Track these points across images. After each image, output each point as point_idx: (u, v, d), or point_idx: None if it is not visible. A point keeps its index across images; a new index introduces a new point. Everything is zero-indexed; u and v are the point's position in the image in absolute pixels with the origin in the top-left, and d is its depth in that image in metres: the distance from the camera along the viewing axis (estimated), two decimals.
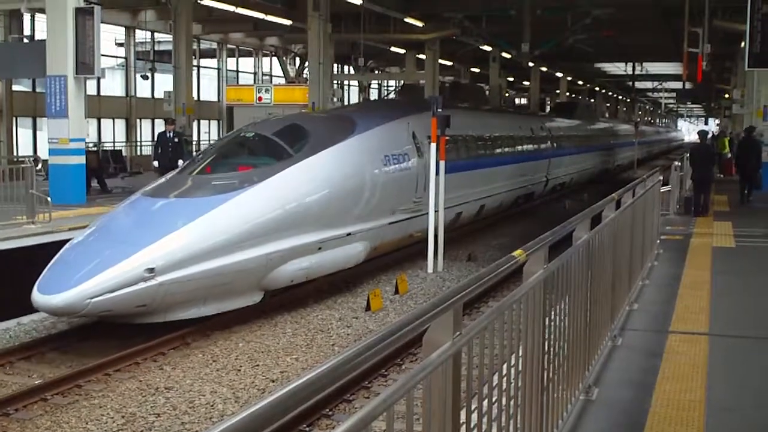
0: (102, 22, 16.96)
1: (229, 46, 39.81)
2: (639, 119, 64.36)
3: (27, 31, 25.87)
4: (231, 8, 24.90)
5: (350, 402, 8.17)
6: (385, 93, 51.34)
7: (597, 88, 62.01)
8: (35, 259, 12.05)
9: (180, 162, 18.47)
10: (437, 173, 14.66)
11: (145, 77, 31.77)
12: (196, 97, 31.20)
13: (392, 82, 50.56)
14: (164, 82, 30.66)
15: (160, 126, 23.93)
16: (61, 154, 16.64)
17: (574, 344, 4.54)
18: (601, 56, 43.51)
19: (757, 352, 6.29)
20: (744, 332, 6.85)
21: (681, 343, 6.31)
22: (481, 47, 33.74)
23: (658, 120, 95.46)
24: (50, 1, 16.59)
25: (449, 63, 39.93)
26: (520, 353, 3.56)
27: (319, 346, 10.29)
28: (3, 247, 11.89)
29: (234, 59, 40.89)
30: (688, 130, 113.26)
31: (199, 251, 10.25)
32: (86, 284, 9.42)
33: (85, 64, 16.48)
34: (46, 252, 12.11)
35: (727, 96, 45.06)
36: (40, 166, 18.24)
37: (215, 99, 39.18)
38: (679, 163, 16.83)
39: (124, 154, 29.07)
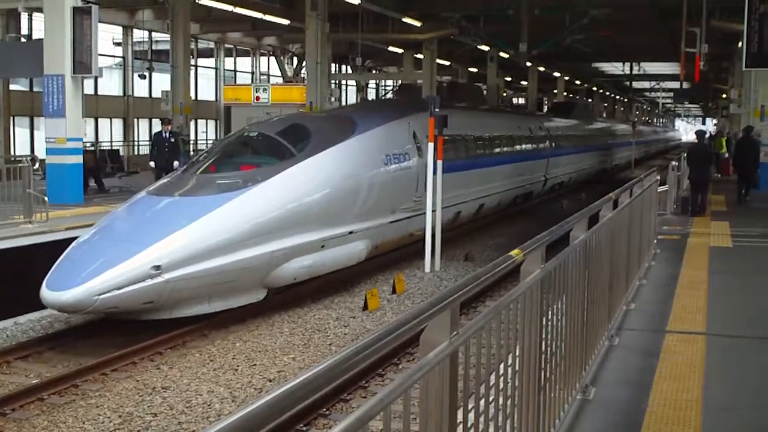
0: (99, 22, 16.92)
1: (226, 45, 39.80)
2: (636, 119, 64.39)
3: (24, 31, 25.86)
4: (229, 8, 24.88)
5: (347, 401, 8.17)
6: (383, 93, 51.31)
7: (594, 88, 62.04)
8: (33, 258, 12.07)
9: (176, 163, 18.46)
10: (435, 173, 14.72)
11: (142, 77, 31.74)
12: (193, 97, 31.18)
13: (390, 82, 50.56)
14: (162, 82, 30.67)
15: (157, 126, 23.89)
16: (59, 153, 16.62)
17: (572, 344, 4.54)
18: (598, 56, 43.53)
19: (754, 351, 6.29)
20: (741, 332, 6.86)
21: (678, 343, 6.31)
22: (478, 47, 33.75)
23: (655, 120, 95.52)
24: (48, 1, 16.55)
25: (447, 63, 39.93)
26: (517, 353, 3.56)
27: (317, 346, 10.29)
28: (0, 247, 11.87)
29: (232, 59, 40.88)
30: (685, 130, 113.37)
31: (204, 249, 10.46)
32: (94, 281, 9.60)
33: (82, 64, 16.45)
34: (43, 251, 12.12)
35: (724, 96, 45.13)
36: (37, 165, 18.19)
37: (213, 98, 39.17)
38: (677, 163, 16.85)
39: (121, 153, 29.01)
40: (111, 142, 32.60)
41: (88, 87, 27.87)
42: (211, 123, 39.40)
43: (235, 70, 41.14)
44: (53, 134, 16.69)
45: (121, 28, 33.33)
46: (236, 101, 32.30)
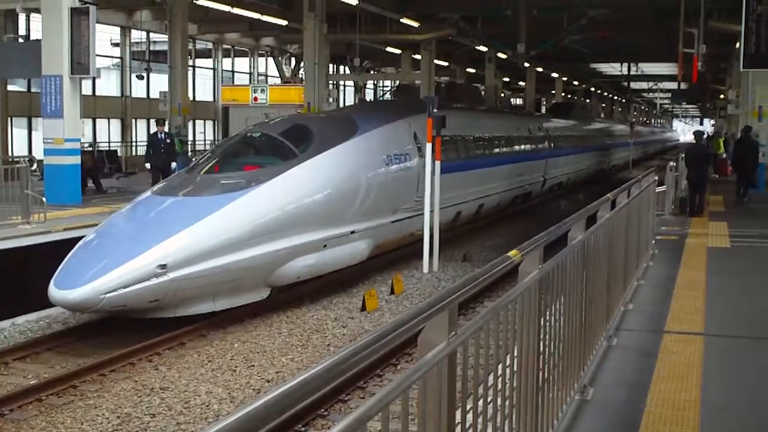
0: (97, 22, 16.90)
1: (224, 46, 39.77)
2: (634, 119, 64.42)
3: (22, 31, 25.81)
4: (227, 8, 24.87)
5: (346, 402, 8.17)
6: (381, 93, 51.30)
7: (592, 89, 62.05)
8: (31, 259, 12.07)
9: (174, 164, 18.45)
10: (432, 173, 14.77)
11: (140, 77, 31.71)
12: (191, 98, 31.13)
13: (388, 83, 50.55)
14: (160, 82, 30.62)
15: (155, 126, 23.87)
16: (57, 154, 16.60)
17: (570, 344, 4.54)
18: (596, 57, 43.56)
19: (752, 352, 6.29)
20: (739, 332, 6.87)
21: (676, 343, 6.32)
22: (476, 48, 33.76)
23: (653, 120, 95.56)
24: (46, 1, 16.54)
25: (445, 63, 39.92)
26: (516, 353, 3.56)
27: (315, 347, 10.29)
28: None
29: (229, 59, 40.86)
30: (683, 131, 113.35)
31: (209, 248, 10.63)
32: (101, 280, 9.76)
33: (80, 64, 16.44)
34: (41, 252, 12.12)
35: (722, 96, 45.15)
36: (35, 166, 18.19)
37: (211, 99, 39.14)
38: (675, 164, 16.86)
39: (119, 154, 28.99)
40: (109, 142, 32.57)
41: (86, 88, 27.83)
42: (209, 124, 39.37)
43: (233, 71, 41.12)
44: (51, 135, 16.68)
45: (118, 29, 33.30)
46: (234, 102, 32.33)
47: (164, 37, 27.46)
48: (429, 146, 14.62)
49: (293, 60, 39.87)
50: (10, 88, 27.86)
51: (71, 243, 11.10)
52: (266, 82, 40.12)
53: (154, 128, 19.80)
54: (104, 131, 33.32)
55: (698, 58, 21.67)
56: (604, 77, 57.43)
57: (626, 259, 7.17)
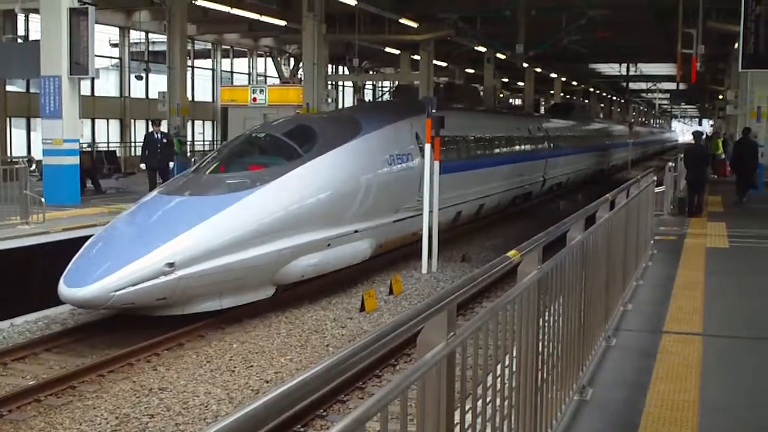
0: (96, 23, 16.89)
1: (223, 46, 39.76)
2: (633, 120, 64.46)
3: (21, 32, 25.78)
4: (226, 9, 24.86)
5: (344, 402, 8.17)
6: (380, 94, 51.29)
7: (591, 89, 62.06)
8: (30, 260, 12.05)
9: (171, 164, 18.44)
10: (432, 173, 14.82)
11: (139, 78, 31.65)
12: (190, 98, 31.12)
13: (387, 83, 50.54)
14: (159, 83, 30.58)
15: (151, 126, 23.85)
16: (55, 154, 16.59)
17: (568, 345, 4.54)
18: (595, 57, 43.56)
19: (751, 352, 6.30)
20: (737, 332, 6.87)
21: (675, 344, 6.32)
22: (475, 48, 33.77)
23: (652, 121, 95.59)
24: (44, 2, 16.53)
25: (444, 64, 39.93)
26: (515, 354, 3.56)
27: (314, 347, 10.29)
28: None
29: (228, 60, 40.85)
30: (682, 131, 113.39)
31: (215, 247, 10.79)
32: (110, 278, 9.91)
33: (79, 65, 16.43)
34: (40, 253, 12.12)
35: (720, 97, 45.16)
36: (34, 166, 18.19)
37: (210, 99, 39.12)
38: (673, 164, 16.87)
39: (118, 154, 28.98)
40: (108, 143, 32.56)
41: (85, 88, 27.78)
42: (208, 124, 39.37)
43: (231, 71, 41.11)
44: (50, 135, 16.66)
45: (117, 30, 33.26)
46: (233, 102, 32.27)
47: (163, 38, 27.42)
48: (428, 147, 14.66)
49: (292, 60, 39.86)
50: (8, 88, 27.84)
51: (70, 243, 11.12)
52: (265, 82, 40.09)
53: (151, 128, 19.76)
54: (103, 132, 33.30)
55: (697, 58, 21.67)
56: (603, 77, 57.44)
57: (625, 260, 7.17)
